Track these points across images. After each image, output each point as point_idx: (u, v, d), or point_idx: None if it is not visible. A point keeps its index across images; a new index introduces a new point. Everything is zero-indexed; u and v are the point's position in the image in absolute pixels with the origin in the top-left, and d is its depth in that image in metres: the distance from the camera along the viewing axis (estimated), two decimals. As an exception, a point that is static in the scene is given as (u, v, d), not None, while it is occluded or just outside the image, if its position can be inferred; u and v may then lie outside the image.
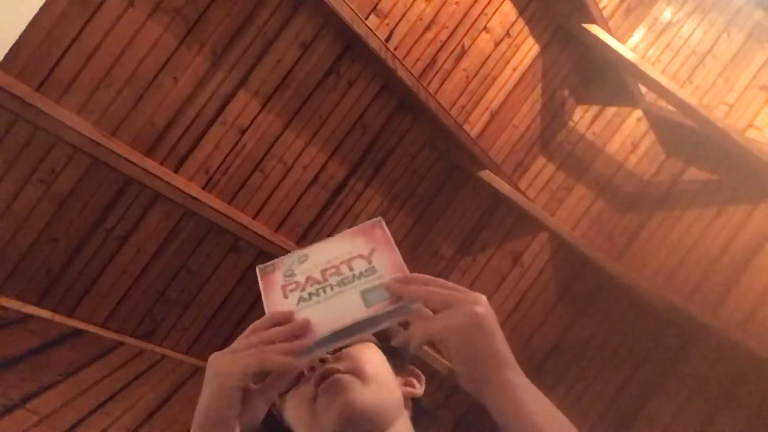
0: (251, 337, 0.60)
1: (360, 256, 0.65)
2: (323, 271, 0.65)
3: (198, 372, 2.49)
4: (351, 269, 0.64)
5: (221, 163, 2.36)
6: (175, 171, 2.26)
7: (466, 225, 3.12)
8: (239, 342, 0.60)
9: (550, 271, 3.11)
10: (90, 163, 2.08)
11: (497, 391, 0.56)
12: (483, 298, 0.59)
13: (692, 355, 2.86)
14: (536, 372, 3.01)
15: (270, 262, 0.68)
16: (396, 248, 0.66)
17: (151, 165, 2.17)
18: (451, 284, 0.61)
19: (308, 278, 0.65)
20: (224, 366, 0.58)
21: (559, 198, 3.16)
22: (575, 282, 3.10)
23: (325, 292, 0.63)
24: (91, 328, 2.29)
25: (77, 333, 2.23)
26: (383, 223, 0.68)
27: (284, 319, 0.61)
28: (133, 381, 2.18)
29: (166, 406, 2.16)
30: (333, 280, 0.64)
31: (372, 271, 0.64)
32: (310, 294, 0.63)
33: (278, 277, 0.66)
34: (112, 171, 2.12)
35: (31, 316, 2.11)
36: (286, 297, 0.64)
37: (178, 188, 2.24)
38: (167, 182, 2.21)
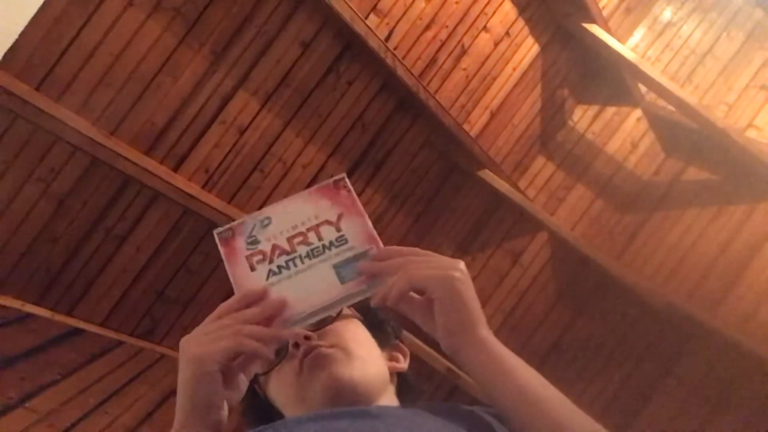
0: (224, 319, 0.56)
1: (327, 222, 0.62)
2: (290, 239, 0.61)
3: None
4: (320, 238, 0.61)
5: (221, 163, 2.36)
6: (175, 170, 2.26)
7: (466, 224, 3.12)
8: (210, 324, 0.57)
9: (549, 271, 3.11)
10: (89, 162, 2.08)
11: (477, 348, 0.57)
12: (462, 262, 0.60)
13: (692, 354, 2.86)
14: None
15: (228, 226, 0.62)
16: (364, 212, 0.63)
17: (151, 164, 2.17)
18: (428, 252, 0.61)
19: (274, 247, 0.61)
20: (199, 349, 0.54)
21: (558, 197, 3.16)
22: (575, 282, 3.10)
23: (295, 264, 0.60)
24: (91, 327, 2.29)
25: (76, 332, 2.23)
26: (347, 181, 0.64)
27: (257, 298, 0.58)
28: (132, 380, 2.17)
29: (166, 405, 2.15)
30: (302, 250, 0.61)
31: (342, 240, 0.61)
32: (279, 267, 0.60)
33: (240, 244, 0.61)
34: (111, 170, 2.12)
35: (30, 315, 2.11)
36: (253, 269, 0.60)
37: (177, 187, 2.24)
38: (167, 181, 2.21)
